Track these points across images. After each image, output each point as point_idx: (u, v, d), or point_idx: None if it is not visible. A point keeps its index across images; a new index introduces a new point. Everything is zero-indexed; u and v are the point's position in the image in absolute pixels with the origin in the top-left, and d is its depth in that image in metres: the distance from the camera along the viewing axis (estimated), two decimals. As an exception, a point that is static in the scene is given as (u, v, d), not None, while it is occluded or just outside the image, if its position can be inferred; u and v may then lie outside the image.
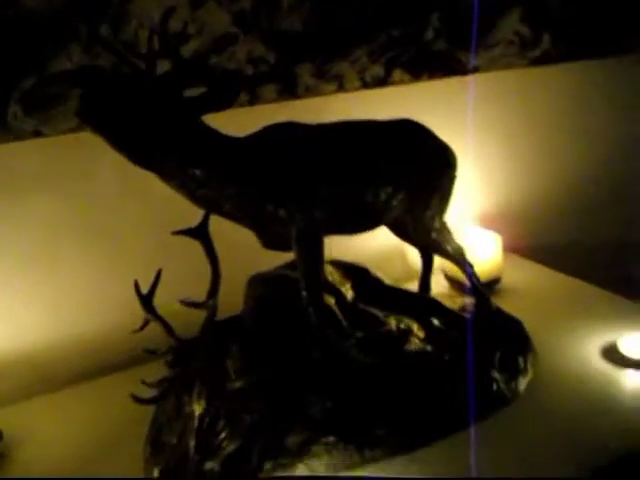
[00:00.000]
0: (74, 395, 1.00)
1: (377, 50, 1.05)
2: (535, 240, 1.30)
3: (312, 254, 0.80)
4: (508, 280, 1.16)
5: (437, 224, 0.90)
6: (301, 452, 0.73)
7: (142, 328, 0.84)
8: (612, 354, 0.91)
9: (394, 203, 0.84)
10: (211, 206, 0.72)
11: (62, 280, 1.01)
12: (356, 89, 1.06)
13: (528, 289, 1.08)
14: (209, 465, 0.71)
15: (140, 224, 1.03)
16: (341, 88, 1.05)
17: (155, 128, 0.63)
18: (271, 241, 0.80)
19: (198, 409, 0.75)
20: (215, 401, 0.74)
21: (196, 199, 0.71)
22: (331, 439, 0.74)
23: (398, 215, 0.87)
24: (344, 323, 0.85)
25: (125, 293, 1.02)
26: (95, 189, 0.99)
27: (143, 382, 0.88)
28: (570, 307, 1.07)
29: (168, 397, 0.81)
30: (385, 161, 0.82)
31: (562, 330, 0.99)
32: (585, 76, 1.35)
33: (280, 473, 0.72)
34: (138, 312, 1.03)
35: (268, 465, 0.72)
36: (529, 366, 0.88)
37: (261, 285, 0.89)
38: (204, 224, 0.73)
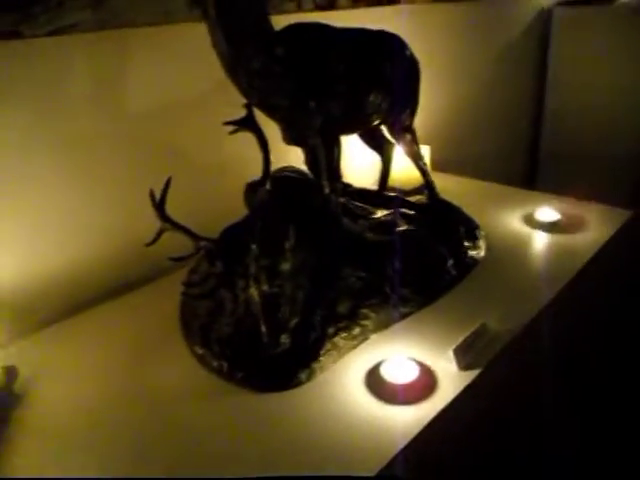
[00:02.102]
0: (79, 325, 0.95)
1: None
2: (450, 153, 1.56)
3: (331, 146, 0.89)
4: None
5: (409, 123, 1.05)
6: (353, 315, 0.84)
7: (156, 239, 0.84)
8: (530, 221, 1.19)
9: (383, 105, 0.96)
10: (261, 97, 0.76)
11: (44, 208, 0.93)
12: (310, 10, 1.14)
13: (454, 191, 1.30)
14: (283, 338, 0.78)
15: (115, 143, 0.98)
16: (299, 8, 1.12)
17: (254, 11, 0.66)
18: (295, 136, 0.87)
19: (256, 292, 0.80)
20: (274, 282, 0.80)
21: (252, 89, 0.74)
22: (374, 301, 0.87)
23: (380, 117, 1.00)
24: (354, 211, 0.96)
25: (109, 212, 0.99)
26: (69, 99, 0.91)
27: (187, 284, 0.89)
28: (489, 199, 1.34)
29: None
30: (377, 67, 0.94)
31: (489, 212, 1.25)
32: (466, 14, 1.64)
33: (341, 335, 0.82)
34: (119, 231, 1.01)
35: (331, 330, 0.82)
36: (481, 236, 1.11)
37: (262, 186, 0.94)
38: (251, 115, 0.76)
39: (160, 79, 1.01)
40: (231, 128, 0.80)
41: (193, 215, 0.87)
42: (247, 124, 0.76)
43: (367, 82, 0.91)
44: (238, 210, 0.90)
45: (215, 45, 0.71)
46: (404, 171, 1.27)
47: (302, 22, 0.82)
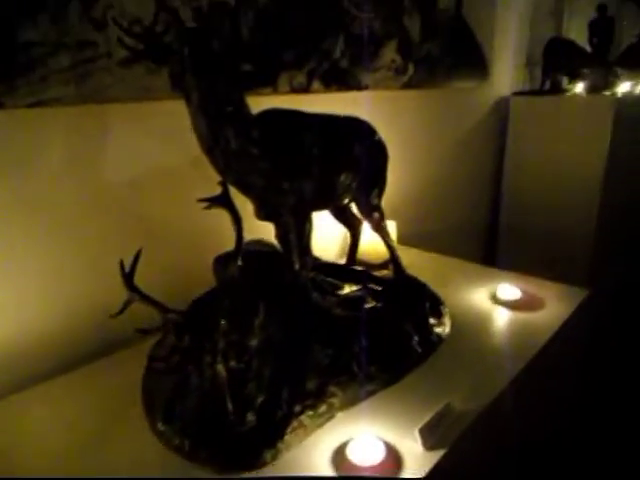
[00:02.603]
0: (38, 394, 0.92)
1: (301, 61, 1.21)
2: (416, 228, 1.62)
3: (303, 224, 0.91)
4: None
5: (377, 202, 1.09)
6: (320, 393, 0.84)
7: (123, 310, 0.83)
8: (493, 298, 1.24)
9: (353, 185, 1.01)
10: (237, 177, 0.79)
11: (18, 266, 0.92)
12: (286, 93, 1.20)
13: (419, 266, 1.34)
14: (249, 416, 0.77)
15: (89, 210, 0.99)
16: (275, 91, 1.18)
17: (231, 89, 0.70)
18: (268, 213, 0.89)
19: (224, 368, 0.79)
20: (242, 358, 0.79)
21: (228, 169, 0.77)
22: (341, 379, 0.87)
23: (350, 196, 1.05)
24: (323, 287, 0.98)
25: (77, 279, 0.98)
26: (46, 167, 0.92)
27: (152, 358, 0.87)
28: (452, 274, 1.38)
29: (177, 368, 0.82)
30: (348, 150, 0.99)
31: (453, 288, 1.29)
32: (432, 101, 1.76)
33: (308, 413, 0.81)
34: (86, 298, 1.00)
35: (297, 408, 0.81)
36: (446, 312, 1.14)
37: (234, 260, 0.95)
38: (226, 193, 0.79)
39: (137, 151, 1.03)
40: (205, 204, 0.82)
41: (163, 286, 0.87)
42: (222, 202, 0.78)
43: (338, 164, 0.96)
44: (208, 281, 0.90)
45: (195, 127, 0.75)
46: (372, 245, 1.31)
47: (278, 107, 0.87)
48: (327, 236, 1.43)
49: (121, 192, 1.03)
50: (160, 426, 0.80)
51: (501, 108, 2.22)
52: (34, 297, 0.95)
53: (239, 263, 0.79)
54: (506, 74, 2.19)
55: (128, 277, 0.82)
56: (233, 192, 0.89)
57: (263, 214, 0.89)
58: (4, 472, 0.74)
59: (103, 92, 0.92)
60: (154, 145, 1.04)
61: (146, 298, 0.83)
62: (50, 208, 0.94)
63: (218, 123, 0.73)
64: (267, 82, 0.76)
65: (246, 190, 0.85)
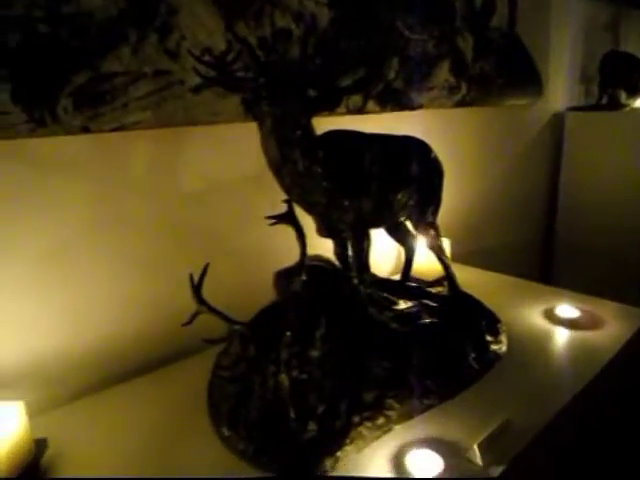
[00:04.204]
0: (109, 398, 0.98)
1: (360, 86, 1.25)
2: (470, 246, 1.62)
3: (362, 240, 0.95)
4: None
5: (433, 219, 1.11)
6: (378, 405, 0.86)
7: (192, 320, 0.88)
8: (550, 317, 1.22)
9: (410, 202, 1.04)
10: (301, 194, 0.84)
11: (98, 278, 1.00)
12: (342, 114, 1.25)
13: (474, 283, 1.34)
14: (310, 425, 0.80)
15: (160, 225, 1.06)
16: (331, 112, 1.23)
17: (301, 115, 0.75)
18: (329, 230, 0.93)
19: (286, 378, 0.82)
20: (305, 369, 0.82)
21: (294, 187, 0.82)
22: (398, 392, 0.88)
23: (406, 213, 1.07)
24: (380, 302, 1.01)
25: (148, 289, 1.05)
26: (128, 188, 1.01)
27: (218, 366, 0.92)
28: (508, 292, 1.37)
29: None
30: (406, 168, 1.02)
31: (509, 306, 1.28)
32: (485, 118, 1.77)
33: (366, 425, 0.83)
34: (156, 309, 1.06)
35: (356, 419, 0.83)
36: (503, 330, 1.14)
37: (297, 275, 0.99)
38: (291, 211, 0.83)
39: (206, 171, 1.10)
40: (272, 220, 0.87)
41: (226, 298, 0.92)
42: (287, 219, 0.82)
43: (396, 182, 0.99)
44: (267, 296, 0.95)
45: (265, 149, 0.80)
46: (426, 262, 1.32)
47: (340, 129, 0.91)
48: (382, 253, 1.45)
49: (190, 209, 1.09)
50: (225, 431, 0.84)
51: (556, 124, 2.19)
52: (107, 304, 1.02)
53: (303, 277, 0.83)
54: (561, 90, 2.17)
55: (197, 290, 0.88)
56: (297, 210, 0.94)
57: (325, 231, 0.93)
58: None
59: (176, 116, 0.99)
60: (221, 164, 1.11)
61: (213, 310, 0.89)
62: (127, 222, 1.01)
63: (288, 146, 0.78)
64: (333, 106, 0.80)
65: (309, 208, 0.89)
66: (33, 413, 0.83)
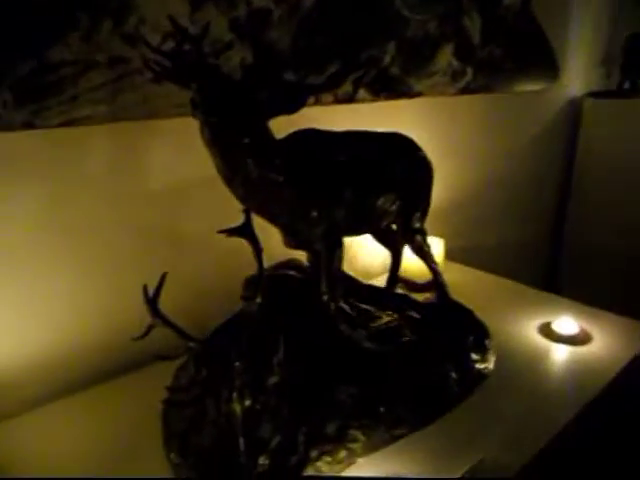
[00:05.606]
0: (73, 405, 0.94)
1: (346, 72, 1.14)
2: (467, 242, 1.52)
3: (333, 252, 0.86)
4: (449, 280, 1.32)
5: (420, 225, 1.02)
6: (340, 437, 0.79)
7: (146, 334, 0.82)
8: (546, 331, 1.12)
9: (393, 208, 0.94)
10: (260, 205, 0.75)
11: (51, 284, 0.94)
12: (329, 103, 1.15)
13: (467, 286, 1.25)
14: (261, 460, 0.73)
15: (127, 225, 0.99)
16: (318, 101, 1.12)
17: (247, 120, 0.66)
18: (296, 241, 0.84)
19: (239, 407, 0.75)
20: (258, 397, 0.75)
21: (250, 198, 0.73)
22: (364, 422, 0.81)
23: (390, 219, 0.98)
24: (354, 317, 0.92)
25: (102, 296, 0.99)
26: (83, 187, 0.93)
27: (170, 388, 0.86)
28: (503, 299, 1.28)
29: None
30: (388, 170, 0.92)
31: (502, 315, 1.19)
32: (492, 105, 1.63)
33: (325, 459, 0.76)
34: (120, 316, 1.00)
35: (314, 453, 0.76)
36: (492, 346, 1.05)
37: (265, 286, 0.92)
38: (248, 223, 0.75)
39: (170, 167, 1.02)
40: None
41: (188, 307, 0.85)
42: (243, 233, 0.74)
43: (375, 187, 0.89)
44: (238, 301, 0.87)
45: (212, 158, 0.71)
46: (416, 263, 1.23)
47: (307, 128, 0.82)
48: (371, 252, 1.36)
49: (154, 209, 1.01)
50: (174, 457, 0.78)
51: (571, 111, 2.03)
52: (58, 311, 0.95)
53: (258, 300, 0.75)
54: (579, 74, 2.01)
55: (152, 302, 0.81)
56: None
57: (291, 243, 0.85)
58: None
59: (136, 109, 0.90)
60: (188, 161, 1.02)
61: (169, 324, 0.82)
62: (83, 224, 0.94)
63: (234, 155, 0.69)
64: (295, 108, 0.70)
65: (271, 219, 0.80)
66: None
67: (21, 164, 0.85)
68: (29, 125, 0.81)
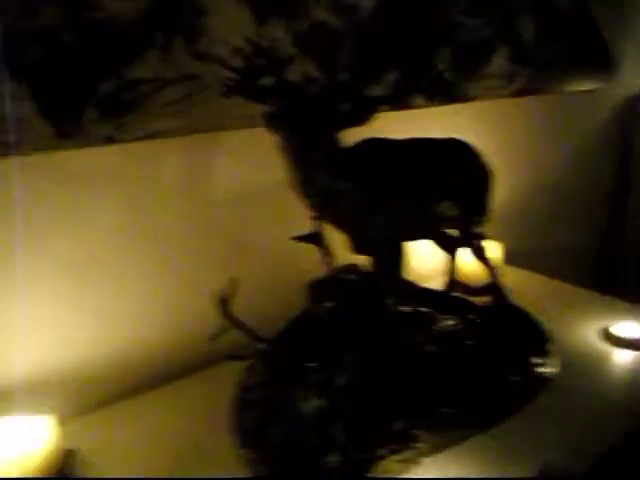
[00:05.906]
0: (138, 406, 0.98)
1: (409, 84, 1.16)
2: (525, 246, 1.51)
3: (396, 257, 0.88)
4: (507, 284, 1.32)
5: (480, 230, 1.03)
6: (406, 437, 0.81)
7: (219, 335, 0.86)
8: (608, 336, 1.10)
9: (454, 213, 0.95)
10: (330, 213, 0.78)
11: (131, 285, 1.00)
12: (386, 110, 1.17)
13: (526, 290, 1.25)
14: (332, 457, 0.76)
15: (198, 232, 1.05)
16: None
17: (322, 133, 0.69)
18: (362, 246, 0.87)
19: (310, 406, 0.79)
20: (327, 397, 0.79)
21: (322, 206, 0.77)
22: (429, 422, 0.83)
23: (450, 225, 0.99)
24: (416, 321, 0.95)
25: (175, 297, 1.04)
26: (154, 196, 0.98)
27: (244, 385, 0.90)
28: (563, 303, 1.26)
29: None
30: (449, 177, 0.94)
31: (562, 320, 1.18)
32: (548, 107, 1.62)
33: (392, 458, 0.79)
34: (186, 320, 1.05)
35: (381, 451, 0.79)
36: (552, 349, 1.05)
37: (331, 289, 0.95)
38: (319, 230, 0.78)
39: (239, 176, 1.07)
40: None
41: (260, 305, 0.88)
42: (313, 240, 0.77)
43: (437, 193, 0.91)
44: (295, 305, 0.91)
45: (287, 169, 0.74)
46: (473, 264, 1.23)
47: (370, 137, 0.84)
48: (421, 255, 1.37)
49: (223, 216, 1.06)
50: (247, 453, 0.82)
51: (627, 111, 1.98)
52: (134, 313, 1.01)
53: (328, 305, 0.79)
54: (636, 72, 1.95)
55: (223, 304, 0.85)
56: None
57: (357, 249, 0.87)
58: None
59: (206, 122, 0.95)
60: (254, 169, 1.07)
61: (240, 325, 0.86)
62: (158, 231, 1.00)
63: (307, 166, 0.72)
64: (363, 121, 0.73)
65: (340, 226, 0.83)
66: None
67: (104, 177, 0.92)
68: (110, 139, 0.87)
